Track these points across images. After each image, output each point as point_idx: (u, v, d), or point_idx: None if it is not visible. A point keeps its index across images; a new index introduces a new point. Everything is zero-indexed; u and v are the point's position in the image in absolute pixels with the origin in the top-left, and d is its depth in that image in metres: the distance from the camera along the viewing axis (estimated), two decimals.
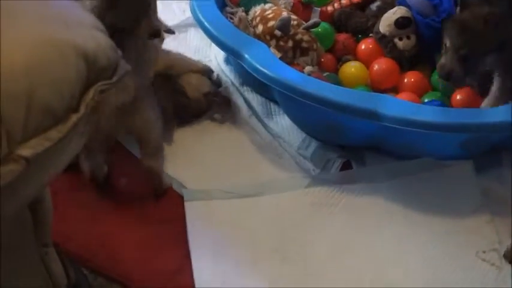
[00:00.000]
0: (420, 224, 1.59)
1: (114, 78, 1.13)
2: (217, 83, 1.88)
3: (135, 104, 1.53)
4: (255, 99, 1.84)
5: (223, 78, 1.91)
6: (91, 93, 1.08)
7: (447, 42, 1.62)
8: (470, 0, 1.62)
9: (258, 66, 1.65)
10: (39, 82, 1.02)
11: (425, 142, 1.65)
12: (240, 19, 1.82)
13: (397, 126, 1.55)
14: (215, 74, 1.88)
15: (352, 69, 1.83)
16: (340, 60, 1.86)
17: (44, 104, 1.02)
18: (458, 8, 1.65)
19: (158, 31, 1.61)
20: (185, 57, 1.86)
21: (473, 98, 1.71)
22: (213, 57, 1.97)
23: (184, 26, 2.06)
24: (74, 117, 1.06)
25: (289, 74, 1.64)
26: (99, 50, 1.12)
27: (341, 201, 1.65)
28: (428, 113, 1.58)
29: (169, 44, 1.83)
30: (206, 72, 1.87)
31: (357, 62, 1.85)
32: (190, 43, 1.94)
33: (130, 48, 1.52)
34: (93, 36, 1.14)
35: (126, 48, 1.48)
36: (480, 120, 1.57)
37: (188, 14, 1.91)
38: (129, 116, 1.55)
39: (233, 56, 1.74)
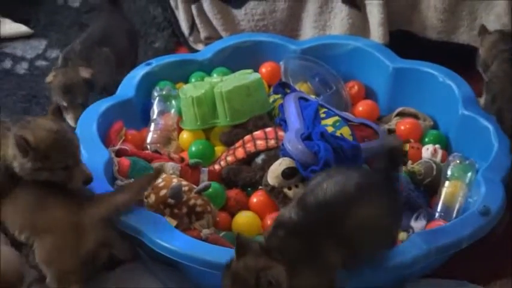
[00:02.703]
0: None
1: None
2: None
3: None
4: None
5: None
6: None
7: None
8: (246, 246, 1.49)
9: (158, 241, 1.66)
10: None
11: None
12: None
13: None
14: None
15: (245, 220, 1.86)
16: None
17: None
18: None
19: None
20: None
21: None
22: None
23: None
24: None
25: (188, 245, 1.65)
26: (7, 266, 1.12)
27: None
28: None
29: None
30: None
31: (248, 211, 1.88)
32: None
33: None
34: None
35: None
36: None
37: None
38: None
39: (130, 232, 1.73)
